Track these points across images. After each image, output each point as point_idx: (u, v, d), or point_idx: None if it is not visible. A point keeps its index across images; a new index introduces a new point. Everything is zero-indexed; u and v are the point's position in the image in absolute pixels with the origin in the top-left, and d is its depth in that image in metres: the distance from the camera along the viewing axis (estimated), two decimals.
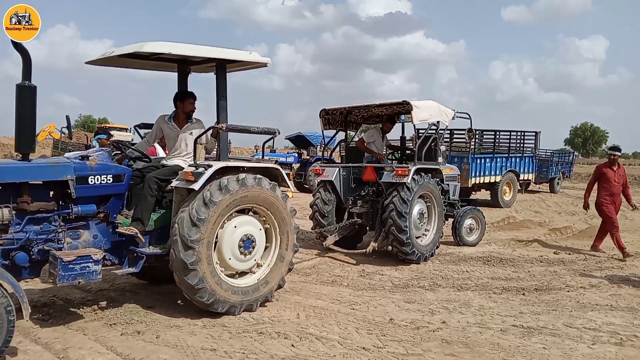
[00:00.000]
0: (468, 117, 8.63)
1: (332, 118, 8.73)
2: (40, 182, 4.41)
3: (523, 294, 5.95)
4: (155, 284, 5.87)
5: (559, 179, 20.85)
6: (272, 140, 7.71)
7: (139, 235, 4.75)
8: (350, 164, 8.32)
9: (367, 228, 8.15)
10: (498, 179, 14.71)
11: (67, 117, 5.02)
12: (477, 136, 13.92)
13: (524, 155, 15.82)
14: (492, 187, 14.82)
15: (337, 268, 7.18)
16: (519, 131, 15.78)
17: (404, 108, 7.86)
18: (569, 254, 8.50)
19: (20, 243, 4.20)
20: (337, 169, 8.13)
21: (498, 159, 14.75)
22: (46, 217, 4.40)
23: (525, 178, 16.21)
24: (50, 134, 29.30)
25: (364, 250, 7.47)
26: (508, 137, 15.44)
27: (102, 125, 36.38)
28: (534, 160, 16.34)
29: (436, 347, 4.17)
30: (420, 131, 8.48)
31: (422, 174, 7.48)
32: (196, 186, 4.68)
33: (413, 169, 7.22)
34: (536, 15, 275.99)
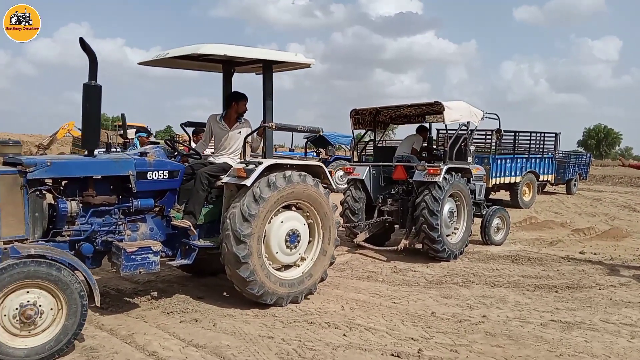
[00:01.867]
0: (497, 117, 8.78)
1: (362, 118, 8.92)
2: (103, 177, 4.62)
3: (556, 292, 6.08)
4: (200, 276, 6.09)
5: (575, 181, 20.84)
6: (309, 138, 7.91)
7: (191, 228, 4.97)
8: (381, 163, 8.49)
9: (398, 226, 8.33)
10: (518, 179, 14.79)
11: (123, 116, 5.20)
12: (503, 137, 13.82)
13: (544, 156, 15.90)
14: (511, 187, 14.90)
15: (369, 264, 7.37)
16: (539, 132, 15.88)
17: (436, 108, 8.02)
18: (595, 253, 8.60)
19: (86, 234, 4.44)
20: (368, 167, 8.31)
21: (518, 160, 14.83)
22: (108, 210, 4.63)
23: (545, 179, 16.28)
24: (69, 131, 29.78)
25: (395, 248, 7.64)
26: (528, 138, 15.52)
27: (116, 123, 36.79)
28: (554, 162, 16.41)
29: (481, 339, 4.34)
30: (449, 131, 8.61)
31: (453, 173, 7.64)
32: (248, 182, 4.89)
33: (445, 168, 7.38)
34: (548, 16, 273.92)
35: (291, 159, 5.82)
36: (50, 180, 4.37)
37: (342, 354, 3.88)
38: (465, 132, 8.08)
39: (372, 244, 8.04)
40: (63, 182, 4.47)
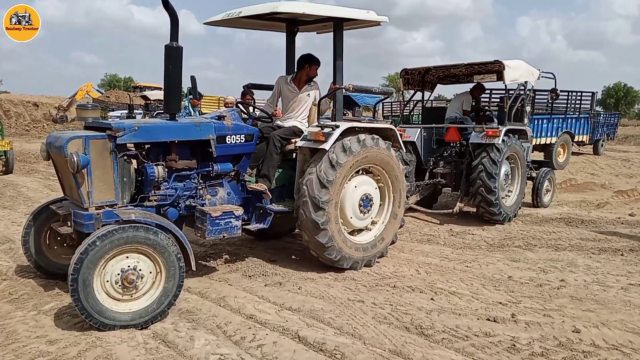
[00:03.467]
0: (552, 77, 8.51)
1: (411, 78, 8.71)
2: (184, 141, 4.54)
3: (622, 255, 6.02)
4: (262, 239, 6.11)
5: (603, 141, 20.48)
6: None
7: (267, 191, 4.93)
8: (433, 125, 8.33)
9: (451, 189, 8.25)
10: (554, 140, 14.53)
11: (192, 78, 5.04)
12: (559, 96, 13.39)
13: (580, 116, 15.56)
14: (546, 148, 14.65)
15: (424, 227, 7.35)
16: (577, 91, 15.47)
17: (495, 67, 7.78)
18: None
19: (171, 199, 4.41)
20: (419, 129, 8.16)
21: (555, 120, 14.54)
22: (189, 174, 4.59)
23: (580, 139, 15.99)
24: (88, 93, 29.63)
25: (450, 210, 7.59)
26: (566, 97, 15.15)
27: (140, 85, 36.44)
28: (589, 122, 16.07)
29: (569, 304, 4.32)
30: (493, 91, 8.39)
31: (510, 135, 7.49)
32: (326, 146, 4.81)
33: (504, 129, 7.22)
34: None
35: (359, 121, 5.68)
36: (133, 145, 4.31)
37: (438, 318, 3.88)
38: (522, 92, 7.86)
39: (421, 207, 7.99)
40: (146, 147, 4.41)
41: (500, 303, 4.28)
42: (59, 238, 4.61)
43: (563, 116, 14.92)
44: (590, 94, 16.10)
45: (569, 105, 15.23)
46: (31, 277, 4.58)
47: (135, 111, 22.68)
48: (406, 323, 3.77)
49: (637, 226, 7.72)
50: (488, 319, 3.88)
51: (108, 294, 3.60)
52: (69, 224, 4.04)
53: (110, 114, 23.34)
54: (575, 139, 15.60)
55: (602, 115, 20.56)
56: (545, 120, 14.22)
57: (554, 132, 14.49)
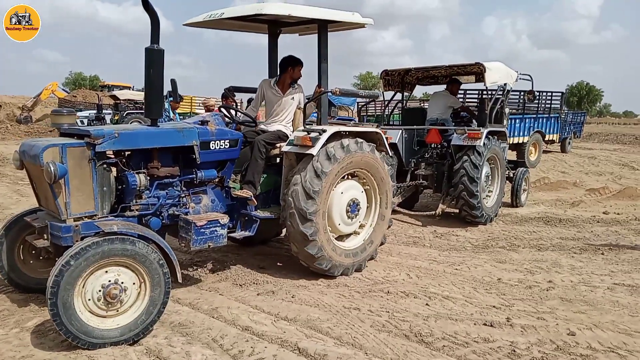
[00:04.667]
0: (530, 78, 8.66)
1: (392, 79, 8.72)
2: (167, 148, 4.37)
3: (602, 254, 6.15)
4: (248, 245, 5.97)
5: (570, 139, 21.07)
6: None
7: (252, 198, 4.81)
8: (415, 127, 8.34)
9: (432, 190, 8.30)
10: (525, 139, 14.84)
11: (173, 81, 4.84)
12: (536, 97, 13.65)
13: (551, 115, 15.94)
14: (519, 147, 14.95)
15: (409, 229, 7.36)
16: (547, 91, 15.85)
17: (474, 70, 7.85)
18: (618, 213, 8.72)
19: (154, 208, 4.24)
20: (400, 131, 8.15)
21: (527, 120, 14.84)
22: (171, 182, 4.42)
23: (551, 138, 16.39)
24: (53, 92, 28.67)
25: (433, 213, 7.62)
26: (538, 97, 15.48)
27: (108, 84, 35.32)
28: (559, 121, 16.48)
29: (560, 305, 4.36)
30: (467, 92, 8.48)
31: (490, 137, 7.57)
32: (313, 151, 4.72)
33: (485, 131, 7.29)
34: None
35: (345, 125, 5.62)
36: (113, 153, 4.12)
37: (435, 325, 3.86)
38: (502, 94, 7.95)
39: (402, 207, 8.00)
40: (126, 154, 4.22)
41: (493, 307, 4.29)
42: (33, 251, 4.35)
43: (535, 116, 15.26)
44: (560, 94, 16.53)
45: (540, 105, 15.57)
46: (9, 292, 4.34)
47: (104, 111, 22.09)
48: (405, 331, 3.73)
49: (612, 224, 7.92)
50: (485, 324, 3.88)
51: (92, 312, 3.42)
52: (45, 237, 3.82)
53: (79, 114, 22.59)
54: (546, 138, 15.98)
55: (569, 114, 21.20)
56: (517, 120, 14.49)
57: (526, 132, 14.80)
